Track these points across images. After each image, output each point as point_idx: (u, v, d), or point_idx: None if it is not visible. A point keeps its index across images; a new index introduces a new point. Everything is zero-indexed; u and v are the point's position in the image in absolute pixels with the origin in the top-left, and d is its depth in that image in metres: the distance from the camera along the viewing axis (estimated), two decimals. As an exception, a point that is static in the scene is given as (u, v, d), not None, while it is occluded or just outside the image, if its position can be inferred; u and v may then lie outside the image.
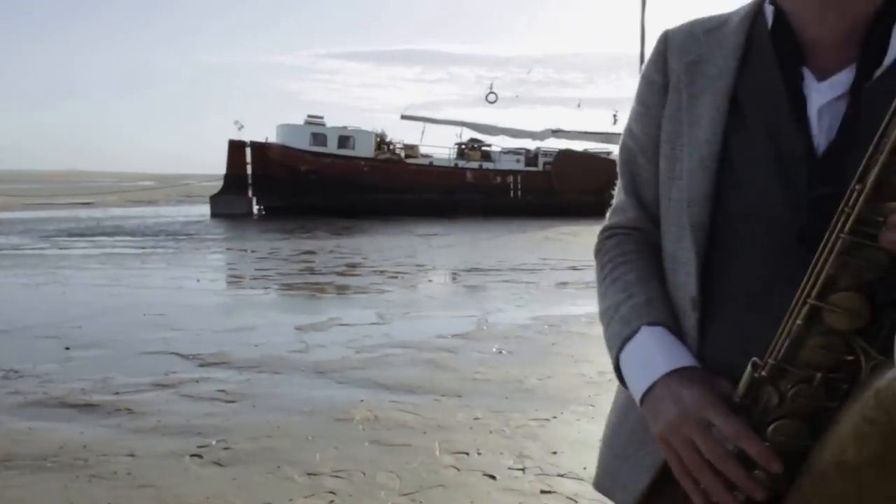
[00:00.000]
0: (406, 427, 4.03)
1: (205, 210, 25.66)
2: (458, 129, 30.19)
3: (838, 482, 0.67)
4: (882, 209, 0.65)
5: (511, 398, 4.64)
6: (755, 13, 0.93)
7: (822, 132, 0.83)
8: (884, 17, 0.82)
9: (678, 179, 0.93)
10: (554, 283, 10.06)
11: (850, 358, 0.68)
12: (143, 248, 14.38)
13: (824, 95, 0.84)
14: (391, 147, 28.40)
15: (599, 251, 1.09)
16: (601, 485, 1.05)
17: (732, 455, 0.74)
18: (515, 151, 29.44)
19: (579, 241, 17.08)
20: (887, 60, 0.81)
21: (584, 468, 3.50)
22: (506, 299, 8.66)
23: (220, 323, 7.14)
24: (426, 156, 29.23)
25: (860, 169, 0.67)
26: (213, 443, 3.80)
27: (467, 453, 3.64)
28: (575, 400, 4.63)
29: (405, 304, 8.20)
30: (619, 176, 1.07)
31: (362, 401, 4.51)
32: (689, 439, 0.78)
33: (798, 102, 0.85)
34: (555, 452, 3.70)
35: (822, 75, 0.85)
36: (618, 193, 1.09)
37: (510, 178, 27.84)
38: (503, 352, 5.94)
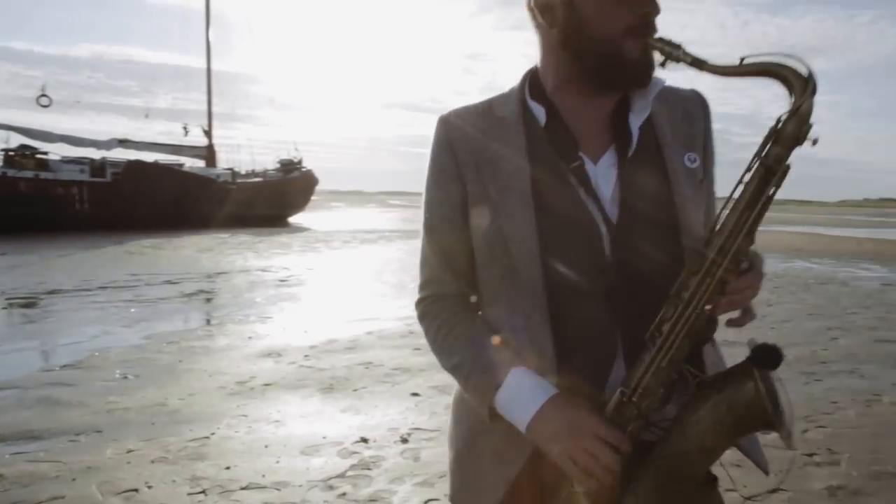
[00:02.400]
0: (47, 478, 3.48)
1: None
2: (2, 133, 25.90)
3: (696, 456, 1.06)
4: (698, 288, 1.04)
5: (159, 423, 4.35)
6: (523, 110, 1.16)
7: (609, 204, 1.12)
8: (622, 111, 1.16)
9: (502, 259, 1.13)
10: (155, 299, 9.49)
11: (676, 377, 1.06)
12: None
13: (602, 174, 1.13)
14: None
15: (426, 315, 1.24)
16: (459, 500, 1.26)
17: (615, 454, 1.04)
18: (78, 161, 26.48)
19: (165, 253, 16.28)
20: (634, 140, 1.14)
21: (263, 475, 3.55)
22: (108, 321, 7.90)
23: None
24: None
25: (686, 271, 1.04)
26: None
27: (136, 490, 3.35)
28: (226, 413, 4.57)
29: (-18, 340, 6.87)
30: (430, 251, 1.23)
31: (-26, 459, 3.74)
32: (589, 450, 1.04)
33: (585, 183, 1.11)
34: (228, 468, 3.64)
35: (595, 158, 1.13)
36: (430, 268, 1.24)
37: (74, 190, 24.98)
38: (129, 376, 5.48)
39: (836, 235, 29.47)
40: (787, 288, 11.24)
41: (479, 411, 1.16)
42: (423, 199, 1.23)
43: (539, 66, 1.19)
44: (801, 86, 0.97)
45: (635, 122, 1.14)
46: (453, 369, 1.19)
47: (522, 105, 1.17)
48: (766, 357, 1.01)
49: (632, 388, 1.05)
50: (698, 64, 1.03)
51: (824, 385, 5.40)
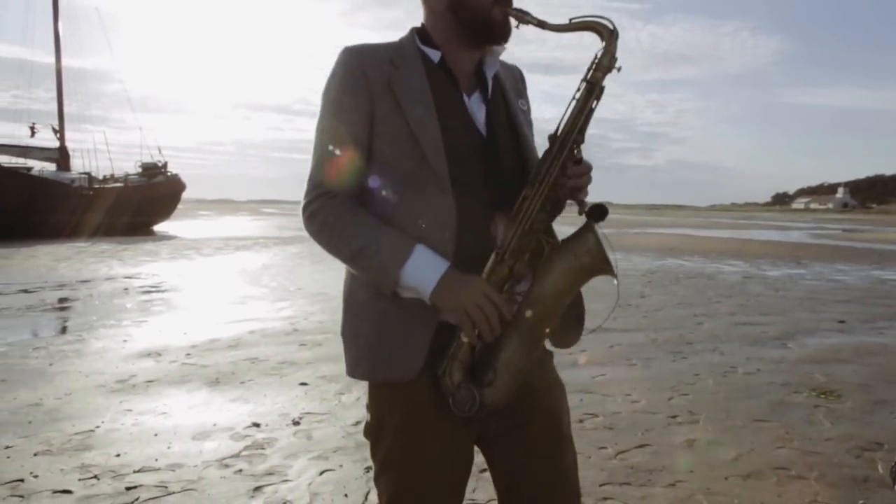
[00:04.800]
0: (-81, 475, 3.32)
1: None
2: None
3: (553, 300, 1.38)
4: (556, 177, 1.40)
5: (36, 421, 4.21)
6: (420, 51, 1.51)
7: (481, 126, 1.51)
8: (480, 66, 1.55)
9: (411, 156, 1.42)
10: (11, 308, 8.91)
11: (536, 244, 1.39)
12: None
13: (475, 106, 1.52)
14: None
15: (322, 210, 1.46)
16: (376, 374, 1.49)
17: (498, 309, 1.37)
18: None
19: (15, 262, 15.23)
20: (490, 85, 1.54)
21: (156, 459, 3.56)
22: (-39, 330, 7.36)
23: None
24: None
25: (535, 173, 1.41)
26: None
27: (22, 480, 3.27)
28: (109, 409, 4.49)
29: None
30: (334, 152, 1.46)
31: None
32: (479, 304, 1.37)
33: (466, 109, 1.50)
34: (118, 455, 3.62)
35: (468, 94, 1.53)
36: (328, 167, 1.47)
37: None
38: (-7, 381, 5.20)
39: (705, 236, 31.43)
40: (659, 282, 12.19)
41: (381, 285, 1.41)
42: (324, 110, 1.48)
43: (426, 25, 1.53)
44: (608, 34, 1.40)
45: (489, 73, 1.55)
46: (357, 252, 1.42)
47: (417, 48, 1.51)
48: (597, 213, 1.39)
49: (503, 250, 1.38)
50: (541, 24, 1.43)
51: (689, 361, 6.02)
